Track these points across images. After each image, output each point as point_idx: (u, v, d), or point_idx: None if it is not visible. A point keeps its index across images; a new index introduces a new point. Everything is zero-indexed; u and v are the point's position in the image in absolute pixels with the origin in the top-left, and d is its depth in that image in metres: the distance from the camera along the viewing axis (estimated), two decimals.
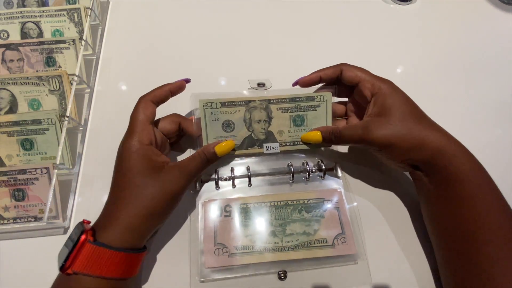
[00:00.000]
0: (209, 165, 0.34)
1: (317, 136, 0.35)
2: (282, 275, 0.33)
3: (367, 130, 0.32)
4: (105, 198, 0.31)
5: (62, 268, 0.26)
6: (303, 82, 0.37)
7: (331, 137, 0.35)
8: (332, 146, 0.40)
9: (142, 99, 0.34)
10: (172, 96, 0.35)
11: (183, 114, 0.39)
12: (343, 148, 0.41)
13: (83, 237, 0.27)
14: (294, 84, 0.37)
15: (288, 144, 0.37)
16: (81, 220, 0.36)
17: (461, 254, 0.29)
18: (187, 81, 0.37)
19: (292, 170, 0.37)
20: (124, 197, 0.29)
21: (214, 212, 0.35)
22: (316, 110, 0.37)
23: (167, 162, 0.32)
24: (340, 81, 0.36)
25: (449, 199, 0.30)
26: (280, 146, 0.37)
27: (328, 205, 0.36)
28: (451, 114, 0.45)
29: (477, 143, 0.42)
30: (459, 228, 0.29)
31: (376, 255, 0.34)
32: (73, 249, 0.26)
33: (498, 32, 0.54)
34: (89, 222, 0.29)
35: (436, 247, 0.32)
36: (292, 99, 0.36)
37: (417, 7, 0.57)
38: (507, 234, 0.27)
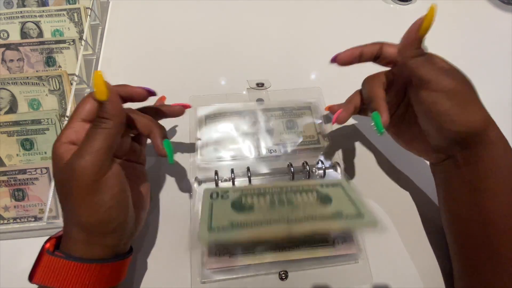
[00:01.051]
0: (107, 130, 0.25)
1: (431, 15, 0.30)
2: (283, 275, 0.33)
3: (430, 64, 0.29)
4: None
5: (29, 278, 0.24)
6: (343, 61, 0.33)
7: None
8: (331, 146, 0.40)
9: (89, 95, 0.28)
10: (129, 100, 0.29)
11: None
12: (343, 148, 0.41)
13: (46, 245, 0.25)
14: (332, 60, 0.34)
15: None
16: None
17: (478, 239, 0.28)
18: (150, 91, 0.30)
19: (292, 170, 0.37)
20: (62, 207, 0.26)
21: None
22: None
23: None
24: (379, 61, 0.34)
25: (479, 181, 0.29)
26: None
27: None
28: None
29: None
30: (481, 213, 0.28)
31: (376, 254, 0.34)
32: (37, 258, 0.25)
33: (498, 32, 0.54)
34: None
35: (451, 232, 0.32)
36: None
37: (417, 7, 0.57)
38: None
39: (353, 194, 0.29)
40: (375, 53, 0.34)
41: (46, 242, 0.25)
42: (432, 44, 0.53)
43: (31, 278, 0.24)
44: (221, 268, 0.32)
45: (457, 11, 0.57)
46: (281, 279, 0.33)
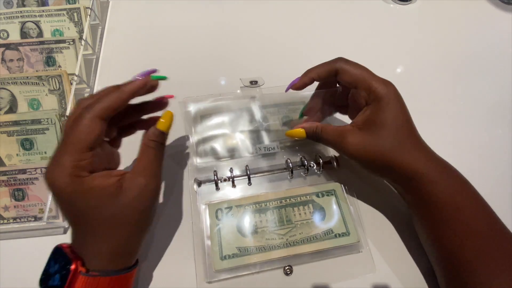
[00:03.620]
0: (163, 149, 0.29)
1: (301, 133, 0.35)
2: (288, 270, 0.33)
3: (342, 138, 0.32)
4: None
5: None
6: (296, 88, 0.35)
7: (313, 134, 0.34)
8: None
9: (85, 114, 0.25)
10: (133, 97, 0.28)
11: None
12: None
13: (72, 267, 0.24)
14: (287, 89, 0.36)
15: None
16: None
17: (444, 266, 0.30)
18: (148, 73, 0.31)
19: (291, 165, 0.37)
20: (100, 234, 0.26)
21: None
22: None
23: (123, 174, 0.27)
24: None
25: (426, 219, 0.31)
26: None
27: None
28: (451, 114, 0.45)
29: (476, 143, 0.43)
30: (438, 246, 0.30)
31: (376, 244, 0.34)
32: (65, 282, 0.24)
33: (498, 32, 0.54)
34: (68, 246, 0.26)
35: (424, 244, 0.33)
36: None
37: (417, 7, 0.57)
38: (491, 254, 0.27)
39: (343, 205, 0.35)
40: (329, 77, 0.34)
41: (68, 265, 0.25)
42: (432, 43, 0.53)
43: None
44: (226, 268, 0.32)
45: (457, 11, 0.57)
46: (286, 274, 0.33)
